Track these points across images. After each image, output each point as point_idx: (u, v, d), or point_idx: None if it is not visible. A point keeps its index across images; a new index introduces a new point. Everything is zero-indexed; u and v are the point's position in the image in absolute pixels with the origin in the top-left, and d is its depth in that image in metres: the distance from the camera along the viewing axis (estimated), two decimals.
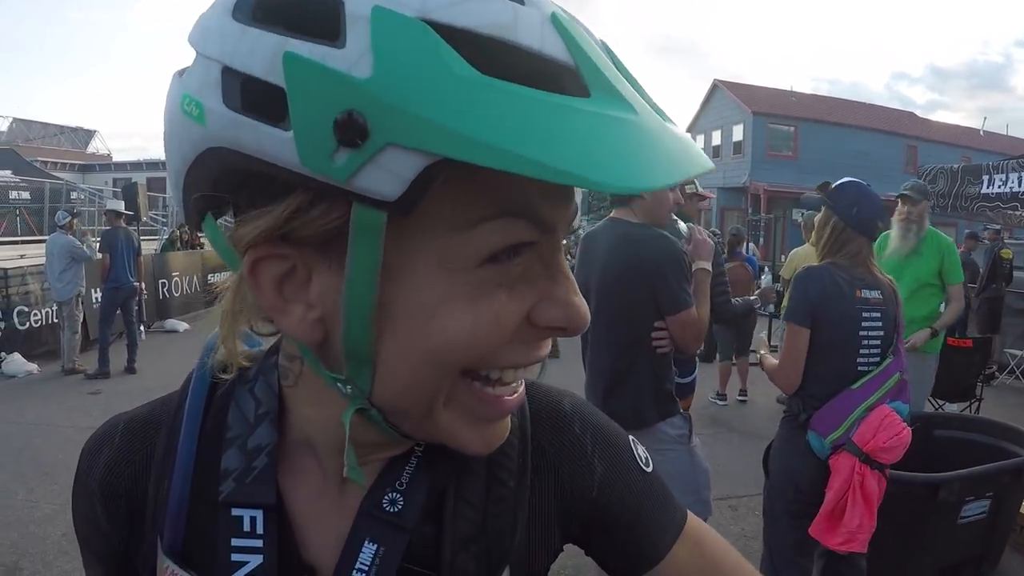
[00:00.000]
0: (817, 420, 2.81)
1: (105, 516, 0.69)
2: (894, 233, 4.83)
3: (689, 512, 0.80)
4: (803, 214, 9.42)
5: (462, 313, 0.51)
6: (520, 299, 0.53)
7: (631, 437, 0.79)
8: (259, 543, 0.61)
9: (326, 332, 0.54)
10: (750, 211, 18.52)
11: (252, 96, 0.45)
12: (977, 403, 6.88)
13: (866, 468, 2.68)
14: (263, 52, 0.45)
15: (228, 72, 0.46)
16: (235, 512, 0.62)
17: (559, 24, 0.46)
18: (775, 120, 29.55)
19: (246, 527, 0.62)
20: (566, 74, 0.45)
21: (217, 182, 0.51)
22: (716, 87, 32.77)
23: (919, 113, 39.75)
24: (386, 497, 0.63)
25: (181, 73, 0.52)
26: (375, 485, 0.64)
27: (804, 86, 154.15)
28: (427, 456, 0.66)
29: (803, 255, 8.41)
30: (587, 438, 0.75)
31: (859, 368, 2.80)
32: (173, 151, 0.53)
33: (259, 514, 0.62)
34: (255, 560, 0.61)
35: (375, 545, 0.62)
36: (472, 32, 0.43)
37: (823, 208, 2.98)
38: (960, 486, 3.47)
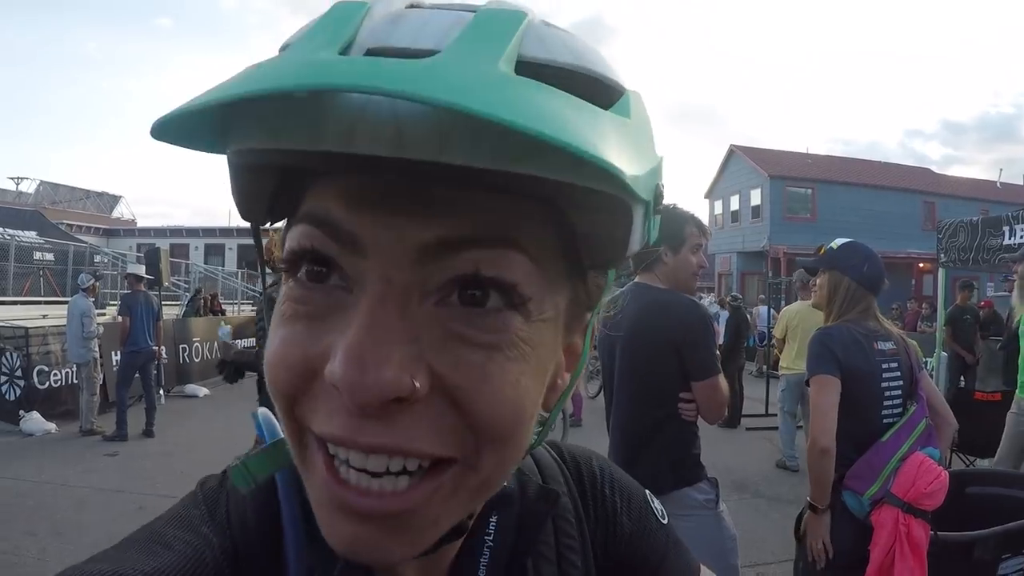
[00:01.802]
0: (851, 478, 2.74)
1: None
2: (1016, 296, 4.91)
3: (700, 563, 0.81)
4: (795, 273, 9.42)
5: (273, 327, 0.48)
6: (322, 332, 0.45)
7: (647, 491, 0.80)
8: None
9: None
10: (770, 275, 18.55)
11: None
12: None
13: (910, 518, 2.61)
14: None
15: None
16: None
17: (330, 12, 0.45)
18: (792, 183, 29.75)
19: None
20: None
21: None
22: (732, 152, 33.10)
23: (935, 169, 39.92)
24: None
25: None
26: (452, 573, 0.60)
27: (820, 147, 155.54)
28: (496, 545, 0.61)
29: (794, 312, 8.37)
30: (616, 497, 0.75)
31: (884, 421, 2.76)
32: None
33: None
34: None
35: None
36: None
37: (828, 271, 2.96)
38: (995, 543, 3.35)
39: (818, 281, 3.03)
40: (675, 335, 2.91)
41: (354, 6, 0.44)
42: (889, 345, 2.82)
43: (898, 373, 2.79)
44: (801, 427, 8.11)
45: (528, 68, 0.41)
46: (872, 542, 2.67)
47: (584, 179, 0.41)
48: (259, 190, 0.49)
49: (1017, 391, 5.22)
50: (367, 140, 0.39)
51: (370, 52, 0.42)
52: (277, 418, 0.51)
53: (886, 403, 2.77)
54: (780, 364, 8.55)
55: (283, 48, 0.46)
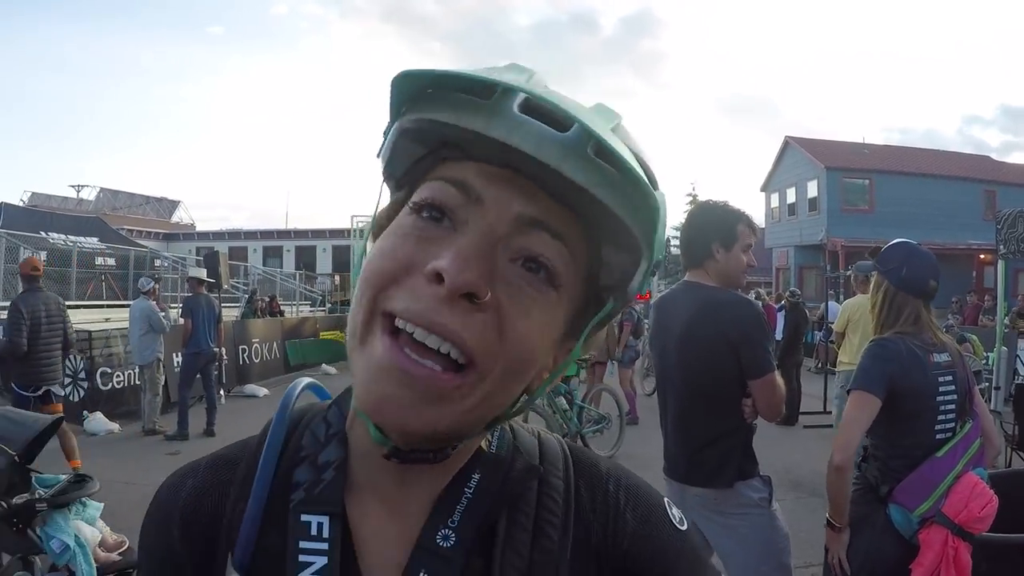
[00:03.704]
0: (901, 492, 2.67)
1: (180, 539, 0.75)
2: None
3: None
4: (853, 266, 9.25)
5: (382, 241, 0.66)
6: (421, 249, 0.62)
7: (667, 499, 0.82)
8: (324, 546, 0.68)
9: None
10: (828, 268, 18.27)
11: None
12: None
13: (959, 541, 2.54)
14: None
15: None
16: (304, 518, 0.69)
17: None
18: (849, 174, 29.22)
19: (313, 531, 0.68)
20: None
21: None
22: (788, 144, 32.63)
23: (995, 156, 38.69)
24: (440, 533, 0.69)
25: None
26: (429, 521, 0.70)
27: (876, 137, 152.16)
28: (476, 498, 0.71)
29: (855, 305, 8.20)
30: (620, 494, 0.78)
31: (937, 436, 2.68)
32: None
33: (325, 520, 0.69)
34: (320, 561, 0.67)
35: None
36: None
37: (878, 272, 2.90)
38: None
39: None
40: (730, 333, 2.90)
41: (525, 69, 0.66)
42: (945, 357, 2.73)
43: (953, 387, 2.71)
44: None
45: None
46: (916, 561, 2.60)
47: (636, 225, 0.63)
48: (408, 154, 0.68)
49: None
50: (524, 137, 0.59)
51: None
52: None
53: (940, 417, 2.69)
54: (839, 358, 8.42)
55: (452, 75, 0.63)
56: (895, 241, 2.94)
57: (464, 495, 0.71)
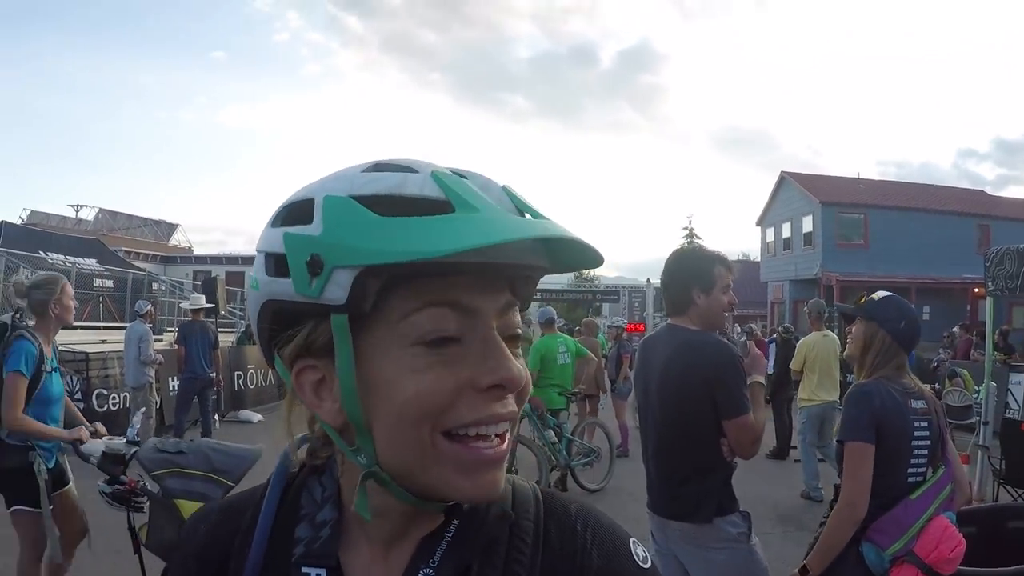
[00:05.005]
0: (875, 531, 2.73)
1: (197, 574, 0.87)
2: None
3: None
4: (807, 304, 9.36)
5: (409, 382, 0.70)
6: (456, 370, 0.70)
7: (632, 538, 0.88)
8: None
9: (344, 416, 0.74)
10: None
11: (274, 264, 0.73)
12: None
13: None
14: (277, 238, 0.72)
15: (264, 255, 0.75)
16: (304, 570, 0.80)
17: (437, 178, 0.70)
18: (844, 209, 29.41)
19: None
20: (440, 204, 0.68)
21: (272, 321, 0.76)
22: (783, 179, 32.84)
23: (989, 191, 38.67)
24: (421, 572, 0.78)
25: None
26: (412, 562, 0.80)
27: (872, 171, 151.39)
28: (454, 541, 0.80)
29: (811, 344, 8.36)
30: (588, 534, 0.85)
31: (909, 480, 2.76)
32: (252, 312, 0.79)
33: (323, 572, 0.79)
34: None
35: None
36: (375, 195, 0.69)
37: (864, 322, 2.97)
38: None
39: (854, 330, 3.03)
40: (707, 374, 2.98)
41: (453, 177, 0.71)
42: (921, 404, 2.81)
43: (927, 433, 2.78)
44: (823, 460, 8.07)
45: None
46: None
47: (575, 264, 0.77)
48: (371, 289, 0.69)
49: None
50: (523, 255, 0.71)
51: (508, 209, 0.72)
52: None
53: (913, 461, 2.76)
54: (800, 396, 8.53)
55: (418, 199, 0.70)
56: (885, 294, 3.02)
57: (444, 539, 0.80)
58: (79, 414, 4.46)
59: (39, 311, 4.15)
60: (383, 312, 0.70)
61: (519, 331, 0.77)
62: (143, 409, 5.57)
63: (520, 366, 0.73)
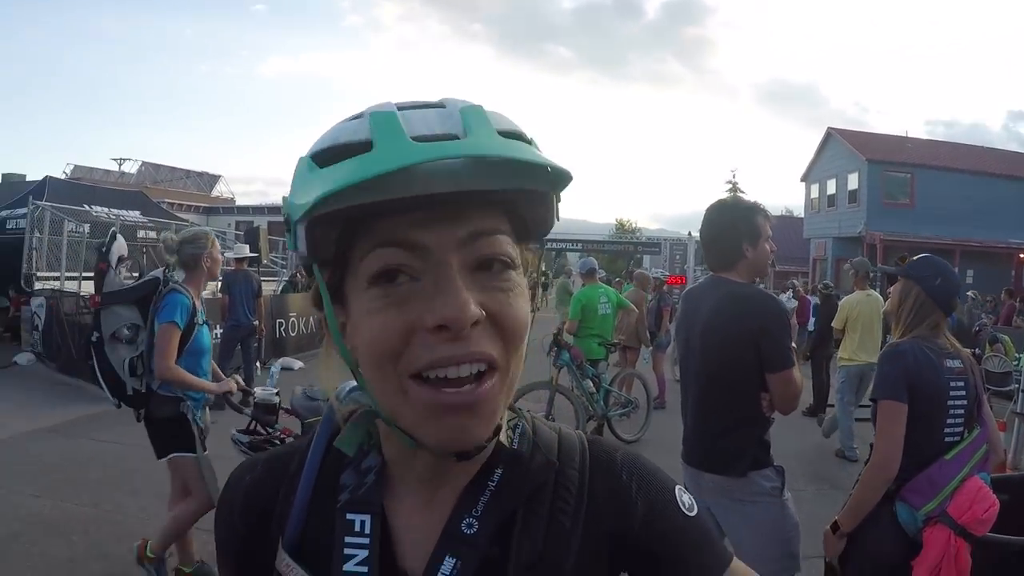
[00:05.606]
0: (909, 491, 2.75)
1: (242, 522, 0.90)
2: None
3: (736, 558, 0.88)
4: (851, 262, 9.22)
5: (365, 324, 0.73)
6: (407, 311, 0.71)
7: (678, 486, 0.89)
8: (366, 540, 0.80)
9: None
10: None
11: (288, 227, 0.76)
12: None
13: (961, 541, 2.61)
14: (286, 207, 0.76)
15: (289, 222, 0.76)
16: (349, 516, 0.81)
17: (371, 119, 0.71)
18: (891, 167, 28.79)
19: (356, 528, 0.80)
20: (365, 145, 0.69)
21: (309, 272, 0.79)
22: (830, 135, 32.20)
23: None
24: (464, 521, 0.79)
25: None
26: (455, 511, 0.81)
27: (920, 131, 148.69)
28: (498, 490, 0.81)
29: (854, 303, 8.21)
30: (632, 482, 0.86)
31: (945, 440, 2.76)
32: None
33: (368, 518, 0.81)
34: (362, 554, 0.79)
35: (454, 559, 0.78)
36: (322, 149, 0.73)
37: (901, 281, 2.97)
38: None
39: (892, 289, 3.04)
40: (752, 326, 2.96)
41: (388, 114, 0.71)
42: (957, 364, 2.80)
43: (963, 392, 2.78)
44: (860, 419, 8.00)
45: (503, 133, 0.72)
46: (919, 559, 2.68)
47: (537, 184, 0.73)
48: (328, 238, 0.75)
49: None
50: (440, 180, 0.67)
51: (421, 138, 0.69)
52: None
53: (949, 421, 2.76)
54: (840, 355, 8.43)
55: (334, 146, 0.73)
56: (925, 255, 3.02)
57: (487, 488, 0.81)
58: (216, 367, 4.57)
59: (191, 265, 4.27)
60: (350, 259, 0.75)
61: (501, 256, 0.74)
62: (281, 360, 5.73)
63: (472, 302, 0.69)
